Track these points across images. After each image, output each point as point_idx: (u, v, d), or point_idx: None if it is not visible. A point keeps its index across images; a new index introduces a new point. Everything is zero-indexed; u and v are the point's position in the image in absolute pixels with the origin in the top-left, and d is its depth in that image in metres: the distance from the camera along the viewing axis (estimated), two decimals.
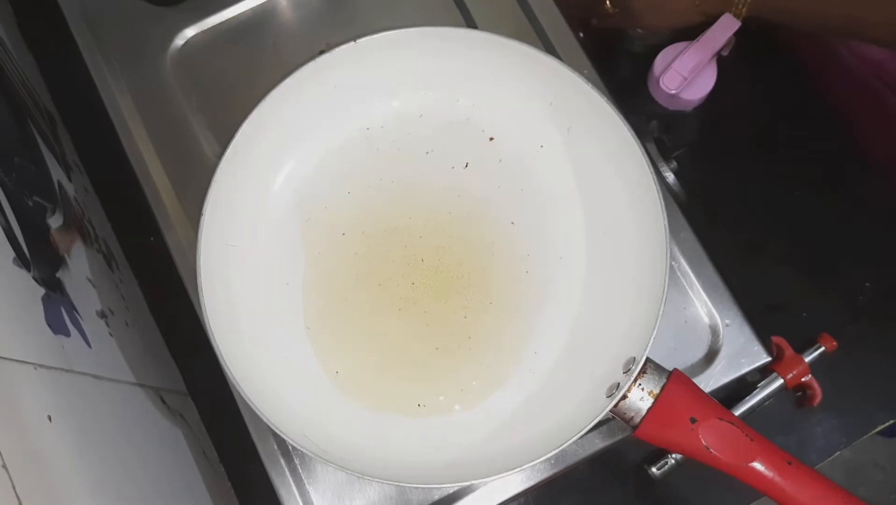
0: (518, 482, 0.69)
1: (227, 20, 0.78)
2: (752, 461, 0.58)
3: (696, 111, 0.80)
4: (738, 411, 0.70)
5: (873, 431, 0.74)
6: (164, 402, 0.70)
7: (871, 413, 0.75)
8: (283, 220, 0.71)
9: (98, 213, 0.78)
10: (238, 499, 0.74)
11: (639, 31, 0.79)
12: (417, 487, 0.69)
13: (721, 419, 0.59)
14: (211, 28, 0.78)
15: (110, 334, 0.66)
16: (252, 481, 0.73)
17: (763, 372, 0.71)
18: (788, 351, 0.71)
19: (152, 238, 0.75)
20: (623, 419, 0.62)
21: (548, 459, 0.66)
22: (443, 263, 0.70)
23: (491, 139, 0.72)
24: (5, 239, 0.55)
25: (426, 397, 0.68)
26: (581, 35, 0.77)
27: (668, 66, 0.76)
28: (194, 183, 0.71)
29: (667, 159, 0.78)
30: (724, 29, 0.75)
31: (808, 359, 0.71)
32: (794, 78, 0.78)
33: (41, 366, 0.51)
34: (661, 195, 0.64)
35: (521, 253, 0.70)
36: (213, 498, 0.69)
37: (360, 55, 0.69)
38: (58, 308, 0.58)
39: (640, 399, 0.61)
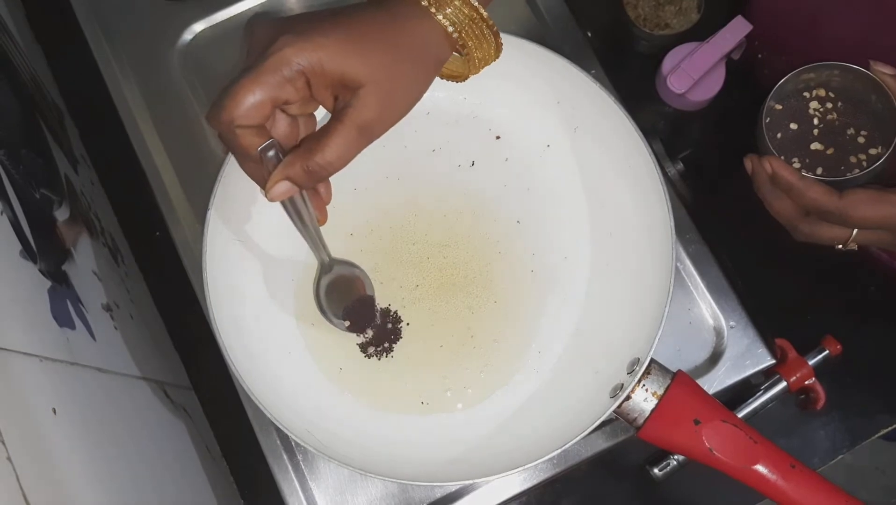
0: (520, 481, 0.69)
1: (235, 15, 0.78)
2: (755, 464, 0.58)
3: (703, 112, 0.80)
4: (741, 414, 0.70)
5: (877, 435, 0.74)
6: (167, 396, 0.70)
7: (875, 417, 0.75)
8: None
9: (104, 206, 0.78)
10: (241, 494, 0.74)
11: (646, 30, 0.78)
12: (419, 485, 0.69)
13: (724, 421, 0.59)
14: (219, 23, 0.78)
15: (115, 328, 0.66)
16: (255, 477, 0.73)
17: (767, 374, 0.71)
18: (792, 354, 0.71)
19: (158, 232, 0.75)
20: (626, 420, 0.62)
21: (550, 459, 0.66)
22: (447, 261, 0.70)
23: (497, 138, 0.72)
24: (12, 231, 0.55)
25: (429, 395, 0.68)
26: (589, 34, 0.77)
27: (677, 66, 0.75)
28: (201, 178, 0.71)
29: (673, 160, 0.78)
30: (736, 31, 0.74)
31: (811, 362, 0.71)
32: None
33: (46, 358, 0.51)
34: (667, 196, 0.64)
35: (526, 252, 0.70)
36: (216, 493, 0.70)
37: None
38: (63, 301, 0.59)
39: (644, 400, 0.61)
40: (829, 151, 0.66)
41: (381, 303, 0.69)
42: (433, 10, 0.53)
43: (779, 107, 0.67)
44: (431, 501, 0.69)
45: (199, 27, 0.77)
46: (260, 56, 0.51)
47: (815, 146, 0.66)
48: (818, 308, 0.76)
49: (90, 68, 0.76)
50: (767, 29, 0.76)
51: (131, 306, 0.72)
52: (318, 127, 0.58)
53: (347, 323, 0.67)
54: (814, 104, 0.67)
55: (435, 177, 0.72)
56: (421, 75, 0.55)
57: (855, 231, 0.62)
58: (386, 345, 0.69)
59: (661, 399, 0.60)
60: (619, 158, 0.68)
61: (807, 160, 0.66)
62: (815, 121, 0.67)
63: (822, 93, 0.67)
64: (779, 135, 0.66)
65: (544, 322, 0.69)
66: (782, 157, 0.64)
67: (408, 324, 0.69)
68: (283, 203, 0.58)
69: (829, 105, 0.67)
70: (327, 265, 0.67)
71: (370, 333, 0.69)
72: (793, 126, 0.67)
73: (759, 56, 0.79)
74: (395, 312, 0.69)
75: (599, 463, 0.71)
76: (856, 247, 0.64)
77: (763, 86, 0.67)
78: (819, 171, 0.65)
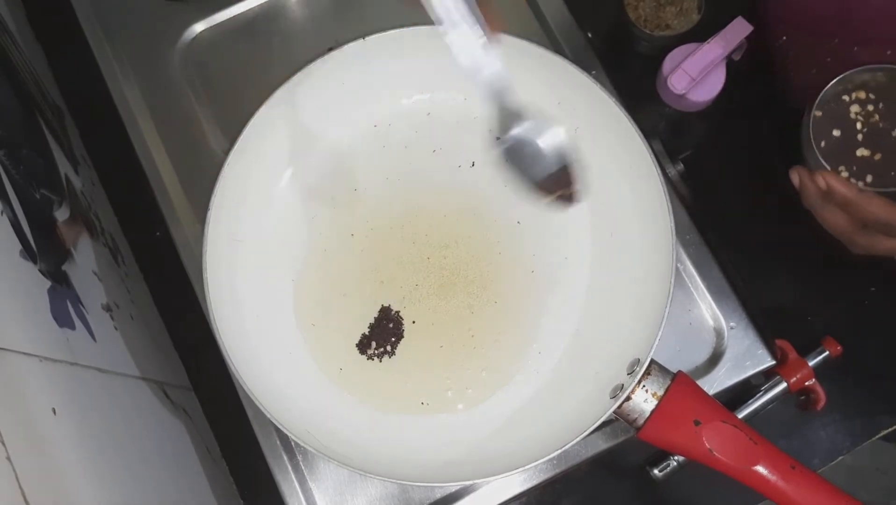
0: (520, 482, 0.69)
1: (236, 16, 0.78)
2: (756, 465, 0.58)
3: (703, 113, 0.79)
4: (741, 414, 0.70)
5: (877, 436, 0.74)
6: (167, 396, 0.70)
7: (875, 418, 0.75)
8: (290, 216, 0.71)
9: (104, 206, 0.78)
10: (240, 494, 0.74)
11: (647, 31, 0.78)
12: (419, 486, 0.69)
13: (725, 422, 0.59)
14: (220, 24, 0.78)
15: (115, 328, 0.66)
16: (255, 477, 0.73)
17: (767, 375, 0.71)
18: (792, 355, 0.71)
19: (158, 232, 0.75)
20: (627, 421, 0.61)
21: (550, 460, 0.66)
22: (448, 261, 0.70)
23: (498, 138, 0.72)
24: (12, 231, 0.55)
25: (429, 395, 0.68)
26: (589, 35, 0.77)
27: (677, 67, 0.75)
28: (201, 178, 0.71)
29: (673, 160, 0.78)
30: (736, 32, 0.74)
31: (812, 363, 0.71)
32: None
33: (46, 359, 0.51)
34: (667, 196, 0.64)
35: (526, 253, 0.70)
36: (216, 493, 0.70)
37: (368, 53, 0.69)
38: (63, 301, 0.58)
39: (644, 401, 0.61)
40: (877, 157, 0.64)
41: (381, 302, 0.69)
42: None
43: (819, 113, 0.64)
44: (431, 501, 0.69)
45: (199, 28, 0.78)
46: None
47: (860, 152, 0.64)
48: (818, 309, 0.76)
49: (91, 68, 0.76)
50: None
51: (131, 307, 0.72)
52: None
53: (556, 194, 0.54)
54: (854, 108, 0.65)
55: (435, 177, 0.72)
56: None
57: None
58: (388, 347, 0.68)
59: (661, 400, 0.60)
60: (620, 159, 0.68)
61: (854, 168, 0.63)
62: (859, 125, 0.64)
63: (861, 95, 0.65)
64: (822, 143, 0.64)
65: (545, 322, 0.69)
66: (828, 167, 0.62)
67: (413, 322, 0.69)
68: None
69: (871, 107, 0.64)
70: (511, 114, 0.51)
71: (379, 327, 0.69)
72: (836, 133, 0.64)
73: (784, 39, 0.75)
74: (397, 312, 0.69)
75: (599, 463, 0.70)
76: None
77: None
78: (869, 178, 0.63)
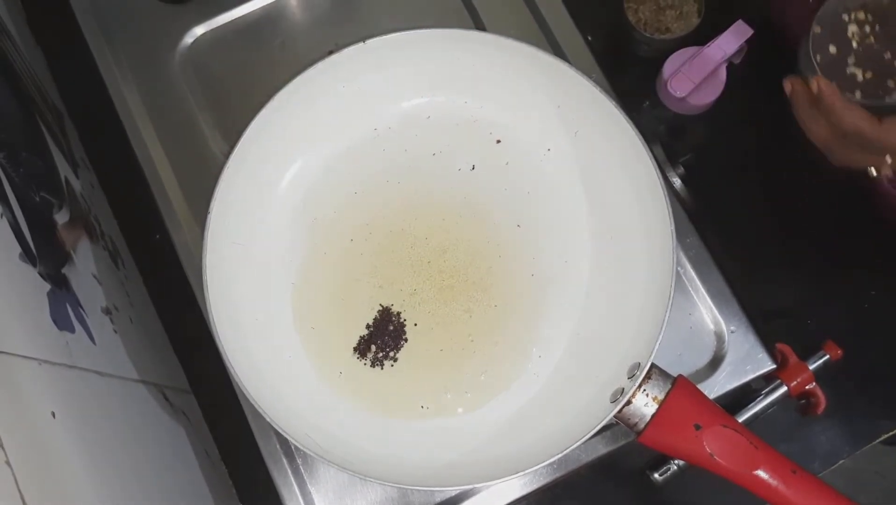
0: (520, 486, 0.69)
1: (236, 19, 0.78)
2: (756, 469, 0.58)
3: (704, 116, 0.79)
4: (741, 418, 0.70)
5: (878, 441, 0.74)
6: (167, 399, 0.70)
7: (876, 422, 0.75)
8: (289, 219, 0.71)
9: (104, 209, 0.78)
10: (240, 498, 0.74)
11: (647, 34, 0.78)
12: (419, 490, 0.69)
13: (725, 426, 0.59)
14: (220, 26, 0.78)
15: (115, 331, 0.66)
16: (254, 481, 0.72)
17: (767, 379, 0.71)
18: (793, 358, 0.71)
19: (158, 235, 0.75)
20: (627, 425, 0.61)
21: (550, 464, 0.66)
22: (448, 264, 0.70)
23: (498, 141, 0.72)
24: (12, 234, 0.55)
25: (429, 399, 0.68)
26: (589, 38, 0.77)
27: (678, 70, 0.75)
28: (201, 181, 0.71)
29: (674, 164, 0.78)
30: (736, 35, 0.74)
31: (812, 367, 0.71)
32: None
33: (45, 362, 0.51)
34: (668, 200, 0.64)
35: (526, 256, 0.70)
36: (215, 497, 0.69)
37: (368, 56, 0.69)
38: (63, 304, 0.58)
39: (645, 405, 0.60)
40: (867, 76, 0.65)
41: (381, 306, 0.69)
42: None
43: (818, 29, 0.65)
44: None
45: (199, 30, 0.78)
46: None
47: (852, 70, 0.65)
48: (819, 313, 0.76)
49: (90, 71, 0.76)
50: None
51: (131, 310, 0.72)
52: None
53: None
54: (852, 27, 0.66)
55: (435, 180, 0.72)
56: None
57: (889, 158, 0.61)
58: (390, 351, 0.68)
59: (661, 404, 0.60)
60: (620, 163, 0.68)
61: (844, 84, 0.64)
62: (854, 44, 0.65)
63: (861, 15, 0.66)
64: (818, 57, 0.65)
65: (545, 326, 0.69)
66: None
67: (415, 325, 0.69)
68: None
69: (867, 28, 0.65)
70: None
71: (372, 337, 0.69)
72: (832, 49, 0.66)
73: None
74: (398, 316, 0.69)
75: (599, 468, 0.70)
76: (890, 173, 0.63)
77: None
78: (857, 94, 0.64)
